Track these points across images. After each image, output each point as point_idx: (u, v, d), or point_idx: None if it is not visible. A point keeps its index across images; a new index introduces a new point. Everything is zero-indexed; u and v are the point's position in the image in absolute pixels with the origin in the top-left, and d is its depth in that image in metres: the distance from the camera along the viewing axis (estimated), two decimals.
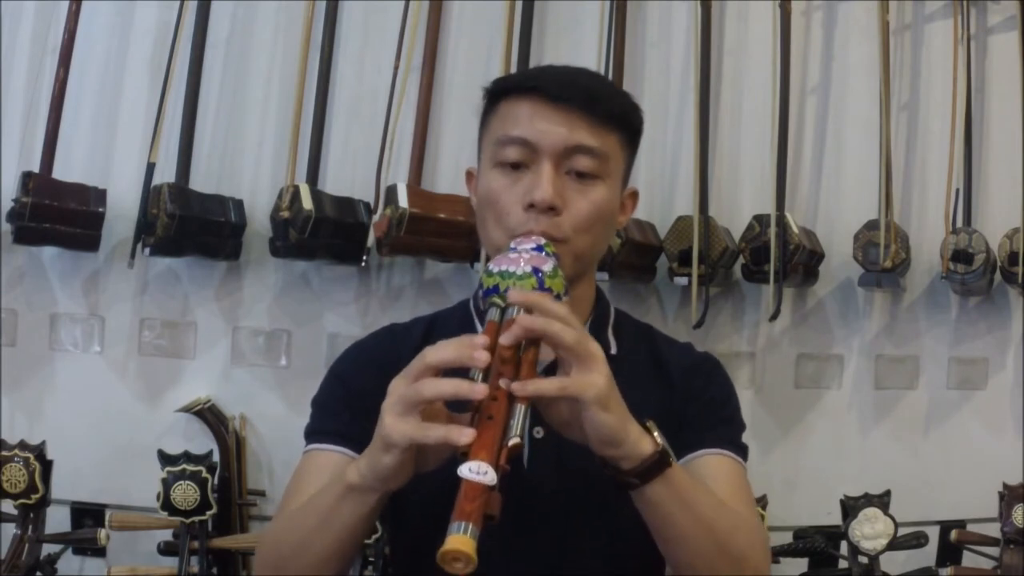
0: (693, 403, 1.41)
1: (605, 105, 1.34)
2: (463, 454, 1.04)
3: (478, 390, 1.07)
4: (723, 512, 1.25)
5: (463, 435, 1.05)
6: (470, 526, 0.98)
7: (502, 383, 1.08)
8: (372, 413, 1.17)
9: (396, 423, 1.10)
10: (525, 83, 1.36)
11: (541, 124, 1.32)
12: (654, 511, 1.20)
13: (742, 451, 1.42)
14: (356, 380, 1.41)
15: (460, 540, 0.97)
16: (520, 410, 1.08)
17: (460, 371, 1.11)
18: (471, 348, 1.10)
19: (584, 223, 1.33)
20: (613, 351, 1.42)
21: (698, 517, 1.21)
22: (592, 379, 1.12)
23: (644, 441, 1.16)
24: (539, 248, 1.24)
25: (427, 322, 1.48)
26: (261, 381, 2.25)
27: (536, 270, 1.19)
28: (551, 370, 1.21)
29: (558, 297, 1.20)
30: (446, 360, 1.11)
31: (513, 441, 1.05)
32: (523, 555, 1.30)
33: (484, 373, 1.10)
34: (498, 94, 1.38)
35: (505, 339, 1.12)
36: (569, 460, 1.19)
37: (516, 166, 1.33)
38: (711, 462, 1.36)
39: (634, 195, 1.46)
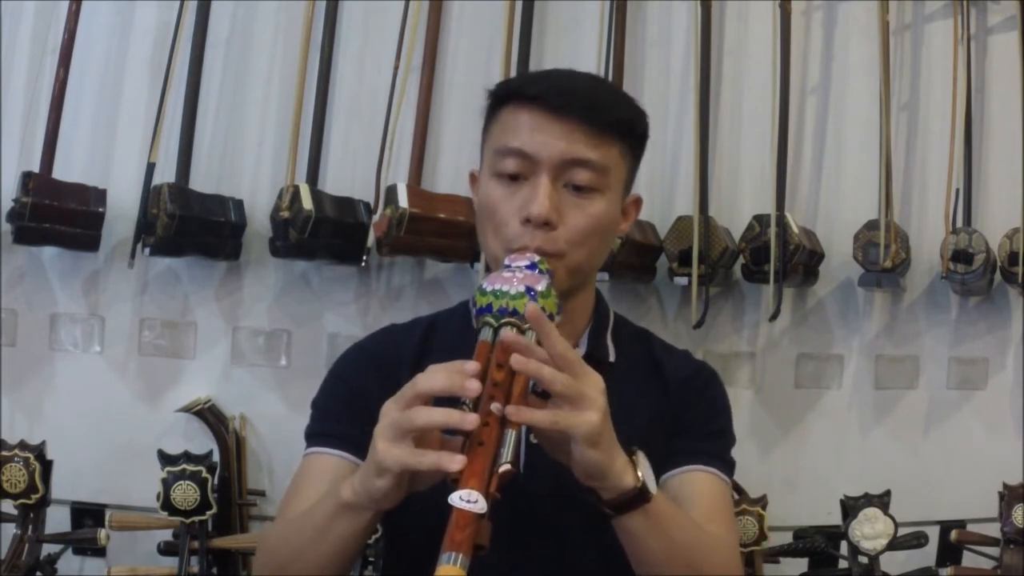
0: (686, 413, 1.41)
1: (606, 115, 1.33)
2: (454, 480, 1.04)
3: (469, 421, 1.07)
4: (699, 539, 1.26)
5: (454, 462, 1.05)
6: (460, 556, 0.98)
7: (494, 408, 1.08)
8: (373, 414, 1.17)
9: (389, 448, 1.11)
10: (527, 91, 1.34)
11: (540, 136, 1.31)
12: (630, 539, 1.21)
13: (729, 467, 1.42)
14: (357, 381, 1.41)
15: (451, 571, 0.97)
16: (511, 436, 1.08)
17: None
18: (462, 376, 1.10)
19: (580, 237, 1.32)
20: (612, 358, 1.42)
21: (673, 546, 1.22)
22: (585, 417, 1.12)
23: (627, 476, 1.17)
24: (533, 266, 1.24)
25: (427, 323, 1.48)
26: (261, 381, 2.25)
27: (529, 289, 1.19)
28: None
29: (551, 317, 1.20)
30: (437, 388, 1.11)
31: (504, 468, 1.05)
32: (518, 558, 1.30)
33: (475, 398, 1.10)
34: (501, 98, 1.37)
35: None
36: (564, 467, 1.19)
37: (514, 177, 1.32)
38: (696, 479, 1.37)
39: (637, 202, 1.46)
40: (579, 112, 1.31)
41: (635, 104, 1.40)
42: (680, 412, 1.40)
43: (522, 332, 1.17)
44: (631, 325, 1.52)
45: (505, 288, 1.19)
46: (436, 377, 1.12)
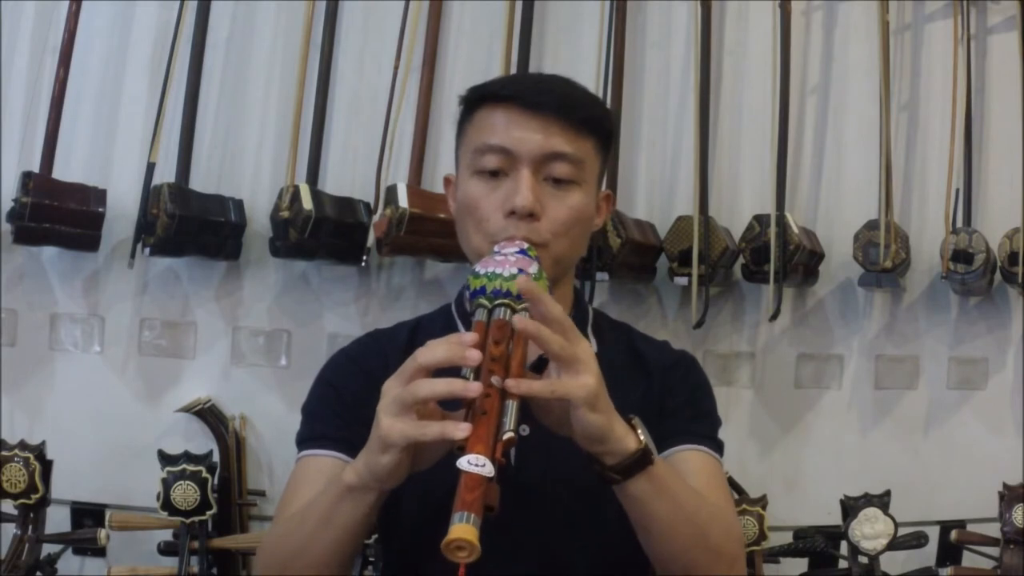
0: (671, 399, 1.43)
1: (580, 111, 1.37)
2: (460, 448, 1.06)
3: (472, 388, 1.09)
4: (702, 506, 1.28)
5: (459, 429, 1.07)
6: (472, 516, 1.00)
7: (494, 380, 1.10)
8: (362, 418, 1.19)
9: (393, 423, 1.12)
10: (501, 91, 1.38)
11: (518, 132, 1.34)
12: (636, 505, 1.22)
13: (718, 446, 1.45)
14: (345, 385, 1.42)
15: (464, 529, 0.99)
16: (512, 405, 1.10)
17: (451, 370, 1.13)
18: (462, 347, 1.12)
19: (562, 228, 1.36)
20: (594, 348, 1.43)
21: (678, 511, 1.24)
22: (582, 380, 1.14)
23: (628, 439, 1.19)
24: (523, 251, 1.26)
25: (410, 327, 1.50)
26: (261, 381, 2.25)
27: (522, 271, 1.22)
28: (537, 366, 1.23)
29: None
30: (438, 360, 1.13)
31: (507, 435, 1.07)
32: (511, 551, 1.31)
33: (475, 371, 1.12)
34: (474, 102, 1.40)
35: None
36: (555, 457, 1.21)
37: (495, 173, 1.36)
38: (688, 457, 1.39)
39: (608, 198, 1.49)
40: (555, 108, 1.35)
41: (603, 104, 1.46)
42: (665, 400, 1.43)
43: (515, 313, 1.19)
44: (610, 319, 1.55)
45: (498, 271, 1.21)
46: (436, 350, 1.14)
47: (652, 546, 1.27)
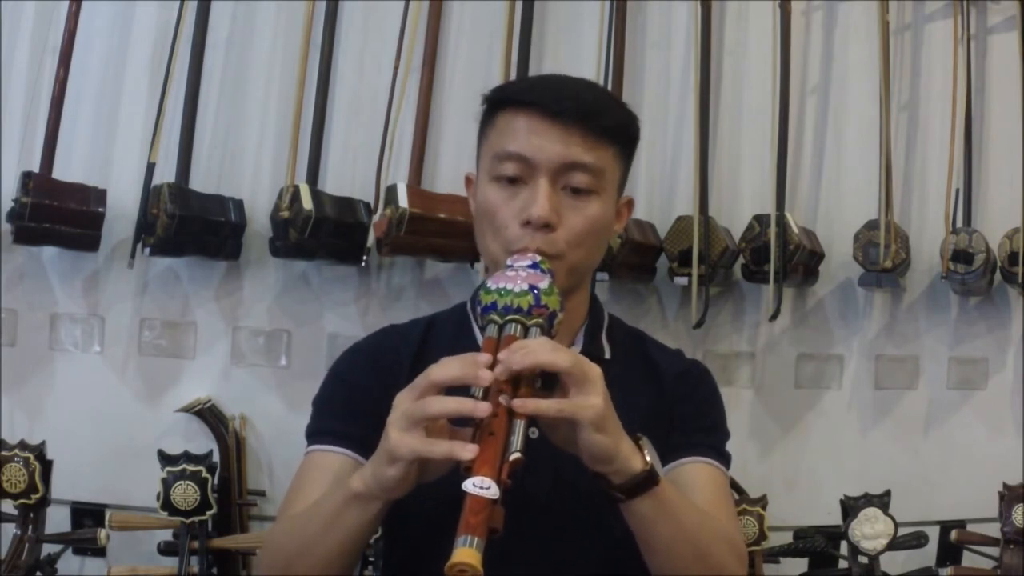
0: (681, 408, 1.43)
1: (601, 120, 1.36)
2: (466, 469, 1.06)
3: (481, 408, 1.10)
4: (705, 524, 1.29)
5: (466, 451, 1.07)
6: (476, 539, 1.00)
7: (502, 400, 1.11)
8: (372, 414, 1.19)
9: (402, 437, 1.12)
10: (523, 96, 1.37)
11: (537, 140, 1.33)
12: (639, 523, 1.23)
13: (725, 459, 1.45)
14: (357, 380, 1.42)
15: (467, 553, 0.99)
16: (520, 426, 1.10)
17: (461, 387, 1.13)
18: (475, 367, 1.13)
19: (578, 238, 1.35)
20: (607, 356, 1.44)
21: (681, 530, 1.24)
22: (589, 401, 1.14)
23: (634, 459, 1.19)
24: (535, 265, 1.26)
25: (425, 324, 1.49)
26: (261, 381, 2.25)
27: (533, 287, 1.22)
28: (547, 382, 1.23)
29: (554, 315, 1.22)
30: (451, 378, 1.13)
31: (514, 456, 1.08)
32: (517, 554, 1.31)
33: (484, 390, 1.12)
34: (496, 104, 1.39)
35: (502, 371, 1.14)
36: (563, 460, 1.21)
37: (513, 181, 1.35)
38: (695, 470, 1.39)
39: (630, 203, 1.48)
40: (575, 116, 1.33)
41: (627, 108, 1.43)
42: (675, 408, 1.43)
43: (526, 329, 1.20)
44: (625, 325, 1.54)
45: (509, 286, 1.21)
46: (450, 367, 1.14)
47: (654, 563, 1.27)
